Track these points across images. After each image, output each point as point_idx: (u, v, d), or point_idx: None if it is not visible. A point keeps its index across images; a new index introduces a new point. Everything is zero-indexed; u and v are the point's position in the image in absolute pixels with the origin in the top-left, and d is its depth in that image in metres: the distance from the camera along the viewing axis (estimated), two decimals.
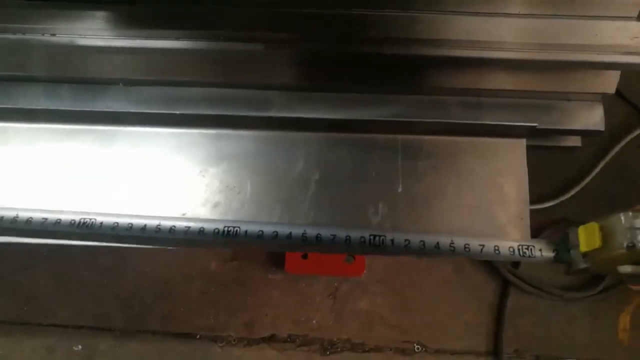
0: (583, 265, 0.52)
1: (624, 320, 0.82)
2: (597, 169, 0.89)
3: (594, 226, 0.49)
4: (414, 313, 0.85)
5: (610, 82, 0.46)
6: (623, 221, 0.47)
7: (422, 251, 0.51)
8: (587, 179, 0.89)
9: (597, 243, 0.48)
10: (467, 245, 0.51)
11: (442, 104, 0.55)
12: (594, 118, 0.47)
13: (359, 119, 0.56)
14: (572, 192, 0.88)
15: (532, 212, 0.85)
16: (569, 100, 0.47)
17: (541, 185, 0.89)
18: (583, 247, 0.50)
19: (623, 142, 0.90)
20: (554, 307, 0.85)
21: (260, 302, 0.85)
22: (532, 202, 0.86)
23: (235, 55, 0.48)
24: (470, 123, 0.54)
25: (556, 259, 0.54)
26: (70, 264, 0.86)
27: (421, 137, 0.57)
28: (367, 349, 0.83)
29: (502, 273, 0.85)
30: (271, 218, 0.54)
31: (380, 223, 0.54)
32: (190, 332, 0.83)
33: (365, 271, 0.84)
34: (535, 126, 0.47)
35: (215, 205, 0.54)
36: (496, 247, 0.51)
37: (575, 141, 0.58)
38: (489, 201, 0.56)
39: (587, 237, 0.50)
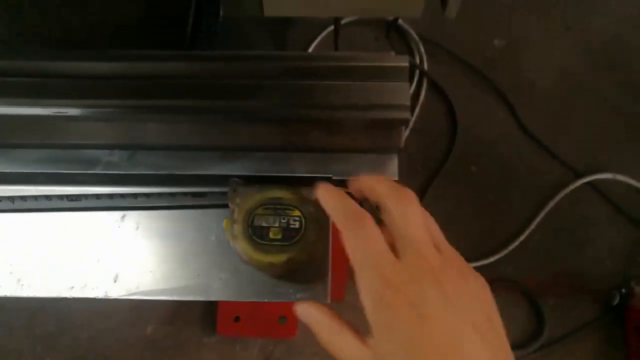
0: None
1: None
2: (532, 226, 0.90)
3: (227, 222, 0.46)
4: None
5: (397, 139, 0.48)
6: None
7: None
8: (522, 237, 0.90)
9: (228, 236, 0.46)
10: None
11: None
12: (388, 168, 0.48)
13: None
14: (509, 249, 0.89)
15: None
16: (364, 152, 0.48)
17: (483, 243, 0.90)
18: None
19: (557, 199, 0.92)
20: None
21: None
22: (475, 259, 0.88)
23: None
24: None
25: None
26: (5, 331, 0.86)
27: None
28: None
29: None
30: None
31: None
32: None
33: (298, 332, 0.84)
34: (331, 177, 0.48)
35: None
36: None
37: None
38: None
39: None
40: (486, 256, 0.89)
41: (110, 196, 0.47)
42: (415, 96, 1.00)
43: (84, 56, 0.48)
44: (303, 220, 0.45)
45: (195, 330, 0.86)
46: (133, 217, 0.49)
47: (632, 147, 0.95)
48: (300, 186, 0.47)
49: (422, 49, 1.02)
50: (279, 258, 0.45)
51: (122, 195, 0.47)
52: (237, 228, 0.45)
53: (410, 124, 0.97)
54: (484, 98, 1.00)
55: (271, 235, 0.45)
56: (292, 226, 0.45)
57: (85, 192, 0.48)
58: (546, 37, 1.04)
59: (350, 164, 0.48)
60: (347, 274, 0.81)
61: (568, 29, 1.04)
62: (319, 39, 1.00)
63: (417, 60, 1.02)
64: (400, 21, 1.02)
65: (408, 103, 0.45)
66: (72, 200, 0.47)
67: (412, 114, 0.98)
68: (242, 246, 0.45)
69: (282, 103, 0.46)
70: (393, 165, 0.48)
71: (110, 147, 0.49)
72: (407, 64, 0.46)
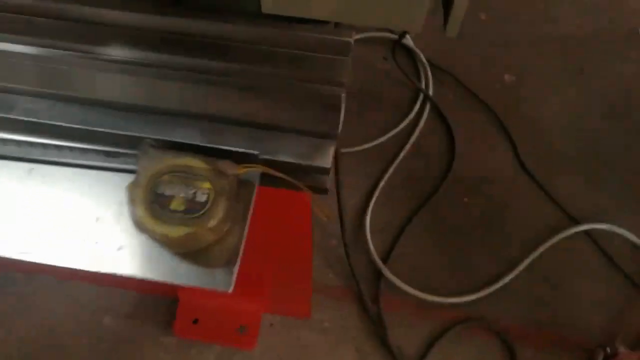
0: None
1: None
2: (520, 268, 0.86)
3: (130, 185, 0.43)
4: None
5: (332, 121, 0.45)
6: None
7: None
8: (507, 279, 0.85)
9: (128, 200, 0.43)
10: None
11: None
12: (321, 153, 0.44)
13: None
14: (491, 289, 0.85)
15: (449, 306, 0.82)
16: (298, 134, 0.44)
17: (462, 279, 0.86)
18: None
19: (548, 243, 0.87)
20: None
21: None
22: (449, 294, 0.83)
23: None
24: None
25: None
26: None
27: None
28: None
29: None
30: None
31: None
32: None
33: (258, 345, 0.80)
34: (257, 155, 0.42)
35: None
36: None
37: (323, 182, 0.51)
38: None
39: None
40: (466, 293, 0.84)
41: (18, 143, 0.43)
42: (416, 120, 0.97)
43: None
44: (212, 194, 0.41)
45: (154, 327, 0.83)
46: (40, 172, 0.45)
47: (634, 200, 0.90)
48: (219, 159, 0.42)
49: (430, 74, 0.99)
50: (177, 231, 0.40)
51: (31, 144, 0.43)
52: (138, 192, 0.41)
53: (407, 147, 0.95)
54: (486, 131, 0.97)
55: (173, 206, 0.40)
56: (198, 199, 0.41)
57: None
58: (558, 77, 1.01)
59: (279, 143, 0.44)
60: (312, 288, 0.77)
61: (581, 72, 1.01)
62: None
63: (423, 84, 0.99)
64: (411, 44, 1.00)
65: (344, 79, 0.43)
66: None
67: (411, 137, 0.95)
68: (138, 212, 0.41)
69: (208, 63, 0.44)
70: (327, 152, 0.44)
71: (33, 94, 0.46)
72: (351, 40, 0.44)
